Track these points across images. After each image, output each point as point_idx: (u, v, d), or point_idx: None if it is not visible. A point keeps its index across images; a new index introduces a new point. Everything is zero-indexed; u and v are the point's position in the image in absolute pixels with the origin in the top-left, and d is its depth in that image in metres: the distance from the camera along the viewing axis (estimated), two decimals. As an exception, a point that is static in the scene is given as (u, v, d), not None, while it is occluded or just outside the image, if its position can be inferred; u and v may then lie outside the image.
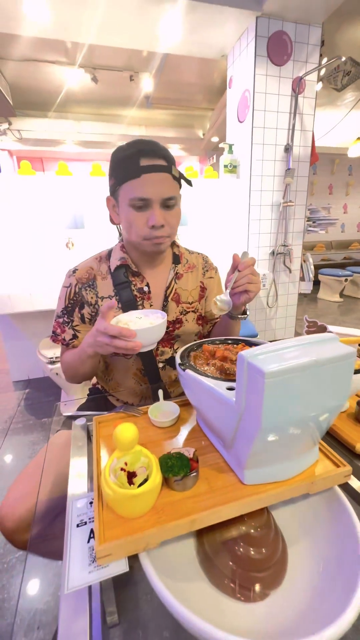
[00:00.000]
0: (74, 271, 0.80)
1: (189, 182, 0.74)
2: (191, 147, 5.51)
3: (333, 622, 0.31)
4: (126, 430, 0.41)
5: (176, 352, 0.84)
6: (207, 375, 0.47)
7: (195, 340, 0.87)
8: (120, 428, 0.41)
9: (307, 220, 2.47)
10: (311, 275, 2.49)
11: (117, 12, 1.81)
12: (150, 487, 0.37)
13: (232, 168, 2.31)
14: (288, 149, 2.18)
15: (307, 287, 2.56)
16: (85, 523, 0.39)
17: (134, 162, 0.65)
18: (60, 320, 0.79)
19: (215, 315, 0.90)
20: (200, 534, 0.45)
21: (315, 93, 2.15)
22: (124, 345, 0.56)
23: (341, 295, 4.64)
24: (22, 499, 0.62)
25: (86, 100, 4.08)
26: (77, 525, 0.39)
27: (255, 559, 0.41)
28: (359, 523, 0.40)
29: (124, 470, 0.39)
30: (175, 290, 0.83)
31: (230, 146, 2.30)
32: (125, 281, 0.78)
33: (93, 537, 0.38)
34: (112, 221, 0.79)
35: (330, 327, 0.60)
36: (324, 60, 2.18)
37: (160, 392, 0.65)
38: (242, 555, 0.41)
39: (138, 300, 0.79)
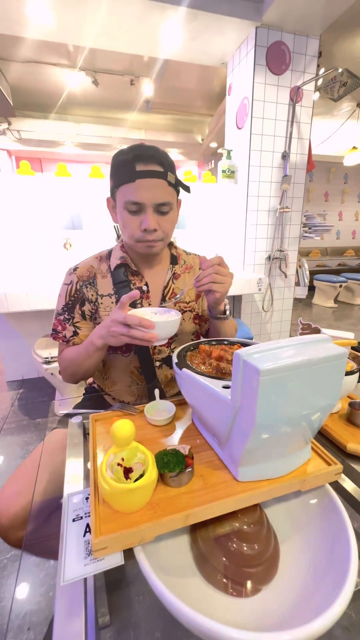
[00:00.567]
0: (75, 269, 0.81)
1: (186, 189, 0.76)
2: (190, 151, 5.56)
3: (321, 614, 0.32)
4: (123, 426, 0.42)
5: (173, 352, 0.85)
6: (203, 374, 0.48)
7: (192, 340, 0.88)
8: (118, 424, 0.42)
9: (303, 227, 2.51)
10: (306, 281, 2.52)
11: (119, 18, 1.84)
12: (146, 482, 0.38)
13: (230, 173, 2.34)
14: (285, 156, 2.22)
15: (302, 292, 2.60)
16: (81, 518, 0.40)
17: (130, 167, 0.67)
18: (61, 317, 0.80)
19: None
20: (194, 530, 0.45)
21: (312, 102, 2.19)
22: (141, 336, 0.57)
23: (335, 301, 4.70)
24: (17, 496, 0.62)
25: (86, 102, 4.11)
26: (73, 520, 0.40)
27: (247, 554, 0.42)
28: (349, 520, 0.41)
29: (121, 466, 0.40)
30: (173, 290, 0.85)
31: (229, 152, 2.33)
32: (125, 280, 0.79)
33: (89, 531, 0.39)
34: (113, 220, 0.82)
35: (323, 330, 0.61)
36: (322, 70, 2.24)
37: (157, 391, 0.66)
38: (235, 551, 0.42)
39: (138, 298, 0.80)
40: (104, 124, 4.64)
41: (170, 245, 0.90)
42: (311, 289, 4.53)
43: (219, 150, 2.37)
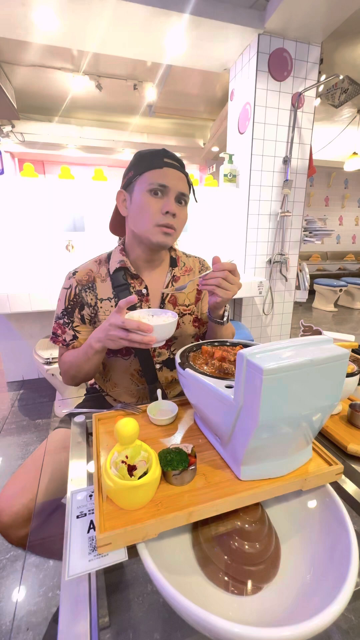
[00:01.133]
0: (74, 273, 0.81)
1: (194, 197, 0.81)
2: (192, 155, 5.61)
3: (321, 612, 0.32)
4: (128, 424, 0.42)
5: (173, 354, 0.86)
6: (206, 374, 0.49)
7: (192, 342, 0.89)
8: (122, 422, 0.42)
9: (304, 231, 2.53)
10: (307, 284, 2.54)
11: (123, 23, 1.86)
12: (150, 480, 0.38)
13: (232, 177, 2.36)
14: (286, 160, 2.24)
15: (303, 295, 2.61)
16: (85, 515, 0.40)
17: (159, 157, 0.72)
18: (61, 321, 0.80)
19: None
20: (196, 529, 0.46)
21: (313, 108, 2.22)
22: (139, 339, 0.58)
23: (335, 305, 4.71)
24: (19, 495, 0.62)
25: (90, 106, 4.15)
26: (77, 517, 0.40)
27: (249, 553, 0.42)
28: (350, 520, 0.42)
29: (125, 463, 0.40)
30: (174, 297, 0.85)
31: (231, 156, 2.35)
32: (124, 283, 0.80)
33: (93, 528, 0.39)
34: (112, 224, 0.84)
35: (325, 332, 0.62)
36: (323, 77, 2.27)
37: (159, 392, 0.66)
38: (237, 550, 0.43)
39: (136, 303, 0.81)
40: (107, 128, 4.68)
41: (170, 247, 0.91)
42: (311, 292, 4.54)
43: (221, 155, 2.39)
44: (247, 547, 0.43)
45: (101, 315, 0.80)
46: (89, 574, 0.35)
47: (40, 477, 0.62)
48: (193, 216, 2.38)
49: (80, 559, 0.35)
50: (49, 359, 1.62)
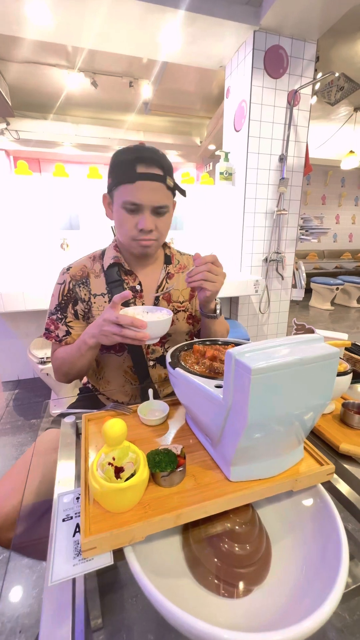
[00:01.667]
0: (68, 269, 0.81)
1: (182, 192, 0.76)
2: (188, 153, 5.58)
3: (312, 614, 0.32)
4: (115, 425, 0.41)
5: (167, 351, 0.85)
6: (196, 374, 0.48)
7: (186, 339, 0.88)
8: (109, 423, 0.42)
9: (300, 229, 2.52)
10: (303, 283, 2.53)
11: (118, 19, 1.84)
12: (137, 482, 0.38)
13: (228, 175, 2.35)
14: (282, 158, 2.24)
15: (299, 294, 2.60)
16: (72, 518, 0.40)
17: (131, 168, 0.67)
18: (54, 317, 0.80)
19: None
20: (186, 531, 0.45)
21: (309, 106, 2.21)
22: (133, 335, 0.58)
23: (332, 303, 4.72)
24: (8, 496, 0.61)
25: (85, 103, 4.11)
26: (63, 520, 0.39)
27: (239, 555, 0.42)
28: (341, 520, 0.41)
29: (112, 465, 0.39)
30: (164, 292, 0.85)
31: (226, 154, 2.34)
32: (118, 279, 0.79)
33: (79, 531, 0.38)
34: (107, 216, 0.82)
35: (317, 331, 0.61)
36: (319, 75, 2.26)
37: (151, 391, 0.66)
38: (227, 552, 0.42)
39: (130, 298, 0.80)
40: (103, 125, 4.65)
41: (164, 245, 0.90)
42: (308, 291, 4.55)
43: (217, 153, 2.38)
44: (237, 548, 0.42)
45: (95, 311, 0.79)
46: (74, 579, 0.34)
47: (27, 479, 0.61)
48: (189, 215, 2.37)
49: (65, 564, 0.34)
50: (43, 358, 1.60)
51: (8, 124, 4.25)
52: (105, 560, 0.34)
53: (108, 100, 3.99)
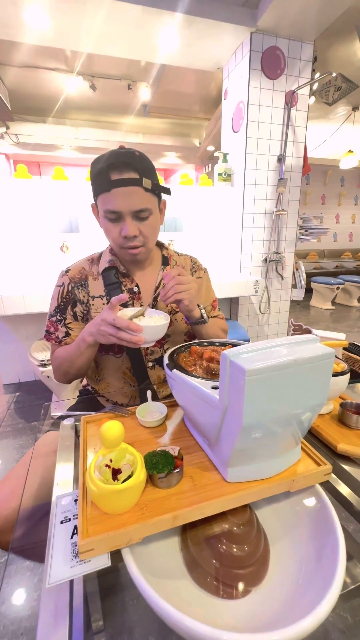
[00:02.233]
0: (67, 271, 0.82)
1: (166, 191, 0.76)
2: (187, 155, 5.60)
3: (310, 613, 0.32)
4: (112, 427, 0.42)
5: (165, 352, 0.85)
6: (193, 375, 0.49)
7: (185, 340, 0.89)
8: (107, 425, 0.42)
9: (299, 229, 2.52)
10: (303, 283, 2.53)
11: (116, 23, 1.86)
12: (134, 483, 0.38)
13: (227, 176, 2.35)
14: (281, 159, 2.24)
15: (299, 294, 2.60)
16: (69, 520, 0.40)
17: (105, 177, 0.68)
18: (54, 318, 0.81)
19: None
20: (184, 532, 0.45)
21: (307, 106, 2.22)
22: (128, 338, 0.59)
23: (333, 303, 4.71)
24: (8, 499, 0.62)
25: (84, 107, 4.14)
26: (61, 522, 0.39)
27: (237, 556, 0.42)
28: (338, 520, 0.41)
29: (109, 467, 0.40)
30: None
31: (225, 155, 2.35)
32: (116, 282, 0.80)
33: (76, 533, 0.38)
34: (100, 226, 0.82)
35: (314, 331, 0.62)
36: (316, 75, 2.26)
37: (149, 393, 0.66)
38: (225, 553, 0.42)
39: (128, 300, 0.81)
40: (102, 128, 4.67)
41: (161, 246, 0.91)
42: (309, 291, 4.54)
43: (215, 154, 2.39)
44: (235, 549, 0.42)
45: (93, 313, 0.80)
46: (71, 581, 0.34)
47: (26, 481, 0.61)
48: (188, 216, 2.38)
49: (62, 565, 0.34)
50: (44, 361, 1.61)
51: (8, 127, 4.28)
52: (102, 561, 0.34)
53: (107, 103, 4.01)
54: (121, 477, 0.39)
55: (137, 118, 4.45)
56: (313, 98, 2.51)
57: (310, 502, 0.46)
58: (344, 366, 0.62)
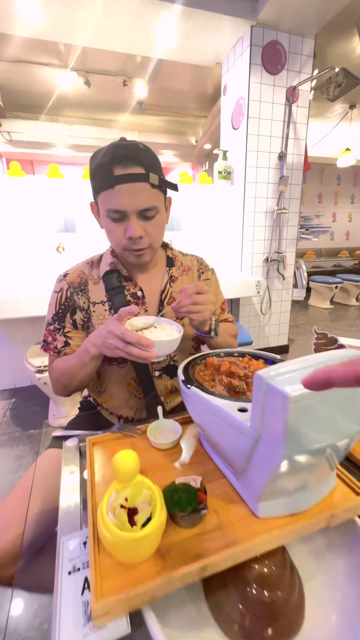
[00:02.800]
0: (65, 275, 0.76)
1: (174, 187, 0.70)
2: (184, 153, 5.53)
3: None
4: (126, 458, 0.36)
5: (174, 360, 0.80)
6: (214, 394, 0.43)
7: (193, 345, 0.83)
8: (120, 456, 0.36)
9: (300, 228, 2.48)
10: (304, 282, 2.49)
11: (112, 16, 1.79)
12: (155, 527, 0.32)
13: (227, 174, 2.30)
14: (282, 156, 2.19)
15: (300, 294, 2.57)
16: (79, 570, 0.34)
17: (108, 172, 0.61)
18: (52, 327, 0.74)
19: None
20: (209, 575, 0.40)
21: (308, 103, 2.17)
22: (138, 354, 0.53)
23: (331, 302, 4.69)
24: (6, 530, 0.56)
25: (79, 103, 4.05)
26: (69, 573, 0.34)
27: (269, 603, 0.37)
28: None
29: (124, 508, 0.34)
30: (171, 294, 0.79)
31: (225, 152, 2.29)
32: (118, 286, 0.74)
33: (88, 587, 0.33)
34: (100, 226, 0.76)
35: (340, 339, 0.57)
36: (315, 72, 2.22)
37: (160, 409, 0.60)
38: (256, 600, 0.37)
39: (137, 313, 0.75)
40: (97, 126, 4.58)
41: (166, 246, 0.85)
42: (307, 290, 4.51)
43: (215, 151, 2.33)
44: (267, 595, 0.37)
45: (94, 320, 0.74)
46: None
47: (28, 509, 0.56)
48: (188, 215, 2.32)
49: (73, 632, 0.29)
50: (40, 367, 1.54)
51: (0, 125, 4.17)
52: (121, 628, 0.29)
53: (102, 100, 3.93)
54: (139, 519, 0.33)
55: (133, 115, 4.37)
56: (313, 93, 2.47)
57: (346, 534, 0.41)
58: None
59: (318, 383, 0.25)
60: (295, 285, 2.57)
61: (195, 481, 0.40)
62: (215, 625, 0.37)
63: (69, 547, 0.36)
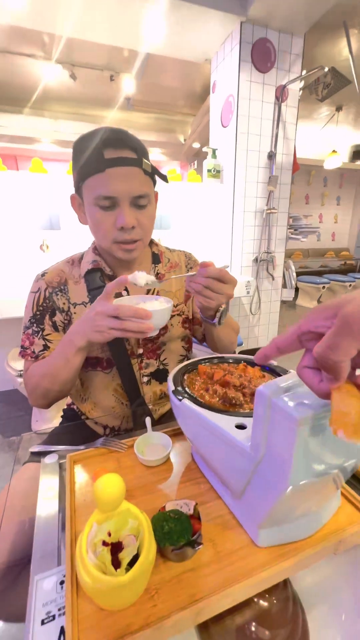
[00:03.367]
0: (43, 275, 0.70)
1: (163, 178, 0.66)
2: (172, 152, 5.48)
3: None
4: (109, 485, 0.31)
5: (163, 364, 0.75)
6: (209, 408, 0.39)
7: (182, 347, 0.79)
8: (103, 482, 0.32)
9: (289, 228, 2.48)
10: (293, 283, 2.49)
11: (97, 5, 1.72)
12: (143, 569, 0.28)
13: (216, 173, 2.27)
14: (271, 156, 2.18)
15: (290, 294, 2.57)
16: (53, 618, 0.29)
17: (98, 154, 0.56)
18: (29, 330, 0.69)
19: (198, 314, 0.80)
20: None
21: (297, 102, 2.16)
22: (136, 328, 0.49)
23: (319, 302, 4.75)
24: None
25: (64, 98, 3.93)
26: (42, 622, 0.29)
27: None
28: None
29: (107, 545, 0.29)
30: (158, 292, 0.75)
31: (214, 151, 2.26)
32: (101, 285, 0.69)
33: (64, 638, 0.28)
34: (80, 221, 0.70)
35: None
36: (303, 72, 2.21)
37: (148, 420, 0.56)
38: (257, 639, 0.33)
39: (126, 284, 0.70)
40: (83, 121, 4.47)
41: (151, 243, 0.80)
42: (295, 290, 4.55)
43: (204, 149, 2.29)
44: (269, 634, 0.33)
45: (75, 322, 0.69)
46: None
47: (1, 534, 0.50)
48: (176, 213, 2.28)
49: None
50: (22, 371, 1.46)
51: (-19, 118, 4.01)
52: None
53: (88, 95, 3.83)
54: (124, 557, 0.29)
55: (120, 112, 4.28)
56: (301, 92, 2.47)
57: (352, 560, 0.38)
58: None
59: (269, 354, 0.28)
60: (284, 286, 2.57)
61: (188, 506, 0.35)
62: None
63: (43, 587, 0.31)
